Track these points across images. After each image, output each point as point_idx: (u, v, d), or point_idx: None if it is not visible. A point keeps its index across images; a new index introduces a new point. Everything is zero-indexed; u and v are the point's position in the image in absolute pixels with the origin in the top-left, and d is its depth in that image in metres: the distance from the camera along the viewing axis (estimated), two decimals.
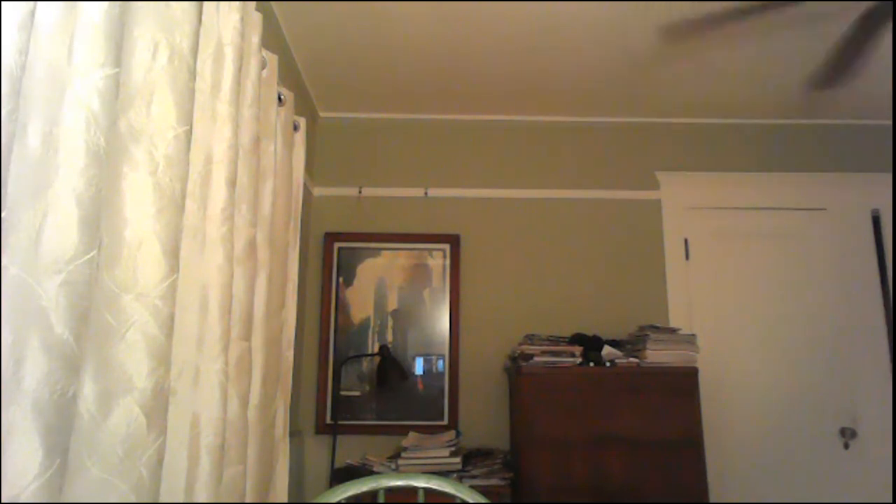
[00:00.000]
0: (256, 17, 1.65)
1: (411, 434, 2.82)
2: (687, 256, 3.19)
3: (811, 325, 3.10)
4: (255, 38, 1.63)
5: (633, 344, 2.71)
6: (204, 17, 1.34)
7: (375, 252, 3.14)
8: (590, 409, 2.50)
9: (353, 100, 3.17)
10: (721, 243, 3.21)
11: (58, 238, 0.88)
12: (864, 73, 2.73)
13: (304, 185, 2.84)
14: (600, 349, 2.62)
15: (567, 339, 2.67)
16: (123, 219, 1.01)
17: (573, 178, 3.28)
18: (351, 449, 2.86)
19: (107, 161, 0.97)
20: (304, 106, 2.98)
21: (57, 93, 0.93)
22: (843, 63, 2.25)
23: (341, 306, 3.08)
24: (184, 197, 1.12)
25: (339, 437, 2.88)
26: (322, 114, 3.30)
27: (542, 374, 2.55)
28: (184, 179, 1.11)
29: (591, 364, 2.58)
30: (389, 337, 3.06)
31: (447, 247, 3.16)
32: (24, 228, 0.87)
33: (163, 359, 1.02)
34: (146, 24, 1.08)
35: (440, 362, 3.03)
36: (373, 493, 1.37)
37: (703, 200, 3.26)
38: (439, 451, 2.56)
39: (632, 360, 2.59)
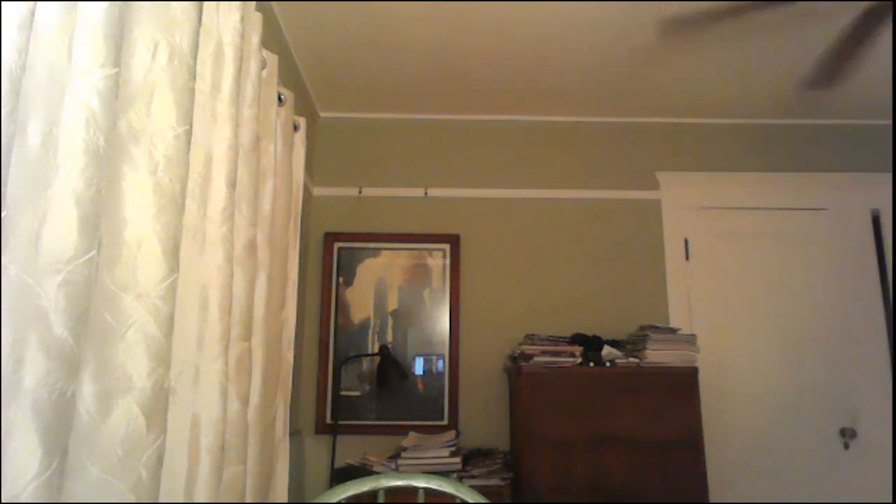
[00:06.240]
0: (256, 17, 1.65)
1: (411, 434, 2.82)
2: (687, 256, 3.19)
3: (811, 325, 3.10)
4: (255, 38, 1.63)
5: (633, 344, 2.71)
6: (204, 17, 1.34)
7: (375, 252, 3.14)
8: (590, 409, 2.50)
9: (353, 100, 3.16)
10: (721, 243, 3.20)
11: (57, 238, 0.88)
12: (859, 74, 2.72)
13: (304, 185, 2.84)
14: (600, 349, 2.62)
15: (567, 339, 2.67)
16: (123, 219, 1.01)
17: (573, 178, 3.28)
18: (351, 449, 2.86)
19: (107, 161, 0.97)
20: (304, 106, 2.98)
21: (57, 93, 0.93)
22: (837, 63, 2.24)
23: (341, 306, 3.08)
24: (184, 197, 1.12)
25: (339, 437, 2.88)
26: (322, 114, 3.30)
27: (542, 374, 2.55)
28: (184, 179, 1.12)
29: (591, 364, 2.58)
30: (389, 337, 3.06)
31: (447, 247, 3.15)
32: (24, 228, 0.87)
33: (163, 359, 1.02)
34: (146, 24, 1.08)
35: (440, 362, 3.03)
36: (373, 494, 1.37)
37: (703, 200, 3.26)
38: (439, 451, 2.56)
39: (632, 360, 2.59)
